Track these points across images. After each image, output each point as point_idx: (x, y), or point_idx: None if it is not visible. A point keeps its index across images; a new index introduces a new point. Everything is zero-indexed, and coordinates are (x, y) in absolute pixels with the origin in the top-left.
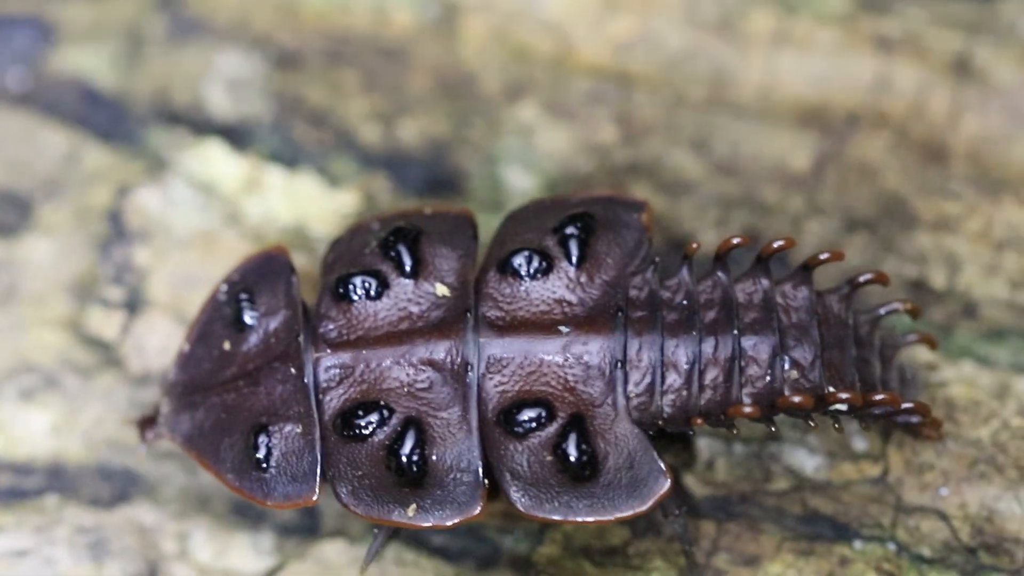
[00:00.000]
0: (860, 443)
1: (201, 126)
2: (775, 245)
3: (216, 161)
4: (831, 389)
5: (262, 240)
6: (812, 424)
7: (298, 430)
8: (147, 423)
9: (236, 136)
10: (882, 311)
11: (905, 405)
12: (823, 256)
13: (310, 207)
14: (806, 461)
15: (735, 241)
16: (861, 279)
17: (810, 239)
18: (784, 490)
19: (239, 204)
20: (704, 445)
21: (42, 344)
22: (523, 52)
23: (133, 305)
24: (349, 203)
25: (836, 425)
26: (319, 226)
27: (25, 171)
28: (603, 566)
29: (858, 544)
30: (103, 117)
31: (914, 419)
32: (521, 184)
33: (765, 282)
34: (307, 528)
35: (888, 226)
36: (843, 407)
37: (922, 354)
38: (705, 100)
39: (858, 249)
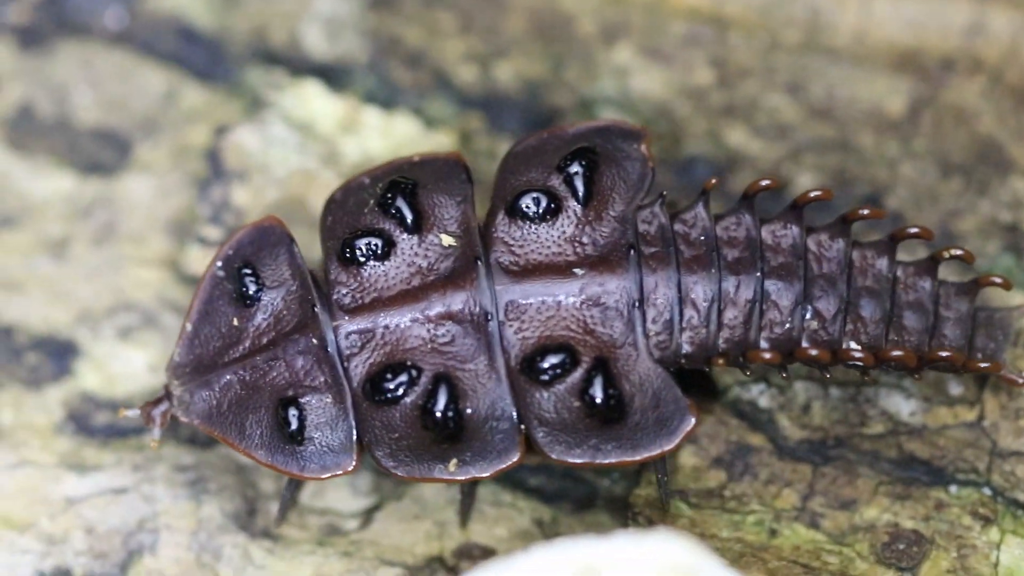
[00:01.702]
0: (955, 388)
1: (298, 66)
2: (812, 195)
3: (313, 101)
4: (851, 344)
5: None
6: (827, 375)
7: (328, 400)
8: (152, 406)
9: (333, 76)
10: (938, 259)
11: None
12: (864, 211)
13: (407, 148)
14: (902, 405)
15: (764, 183)
16: (907, 231)
17: (904, 184)
18: (880, 434)
19: (336, 144)
20: (800, 388)
21: (140, 282)
22: None
23: None
24: (445, 144)
25: (865, 378)
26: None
27: (123, 110)
28: (699, 508)
29: (953, 488)
30: (200, 56)
31: (982, 367)
32: None
33: (795, 228)
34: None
35: (983, 171)
36: (859, 363)
37: (1014, 297)
38: (800, 43)
39: (953, 194)
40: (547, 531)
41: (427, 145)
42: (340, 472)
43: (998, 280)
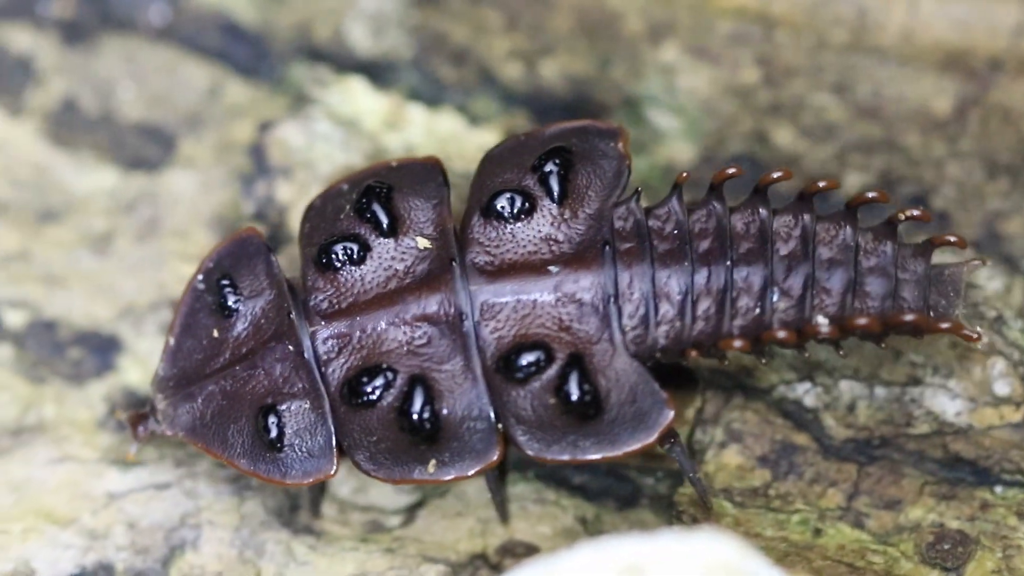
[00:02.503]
0: (1002, 388)
1: (342, 62)
2: (774, 175)
3: (358, 97)
4: (819, 319)
5: None
6: (807, 354)
7: (306, 406)
8: (139, 419)
9: (377, 73)
10: (895, 221)
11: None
12: (821, 184)
13: (451, 145)
14: (947, 405)
15: (730, 171)
16: (865, 196)
17: (951, 184)
18: (925, 434)
19: (380, 141)
20: (846, 388)
21: (183, 278)
22: None
23: (275, 240)
24: (490, 141)
25: (841, 352)
26: (460, 164)
27: (167, 105)
28: (744, 507)
29: (999, 489)
30: (244, 52)
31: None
32: (663, 124)
33: (763, 212)
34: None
35: None
36: (827, 336)
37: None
38: (847, 43)
39: (999, 194)
40: (591, 529)
41: (472, 142)
42: (322, 477)
43: (952, 239)
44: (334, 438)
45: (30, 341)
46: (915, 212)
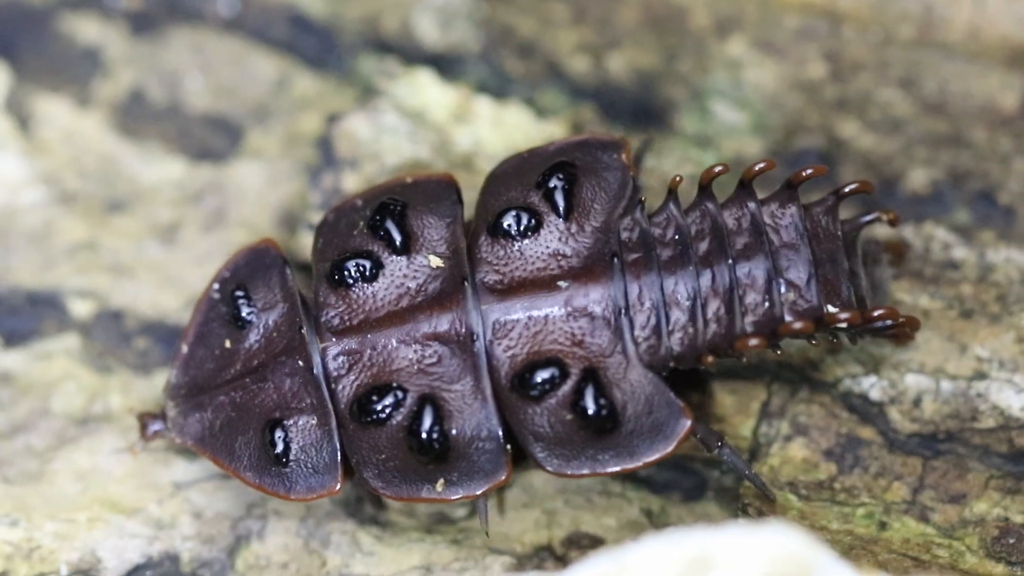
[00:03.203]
0: None
1: (410, 55)
2: (757, 167)
3: (425, 90)
4: (830, 309)
5: (471, 169)
6: (814, 343)
7: (313, 422)
8: (150, 418)
9: (445, 65)
10: (863, 220)
11: (901, 319)
12: (807, 172)
13: (518, 137)
14: (1013, 400)
15: (717, 169)
16: (846, 188)
17: (1017, 179)
18: (991, 428)
19: (448, 133)
20: (912, 382)
21: None
22: None
23: None
24: (557, 134)
25: (834, 339)
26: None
27: (234, 96)
28: (809, 500)
29: None
30: (312, 44)
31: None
32: (729, 119)
33: (752, 205)
34: (514, 457)
35: None
36: (843, 326)
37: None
38: (914, 39)
39: None
40: (656, 521)
41: (539, 135)
42: (325, 493)
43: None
44: (339, 455)
45: (97, 331)
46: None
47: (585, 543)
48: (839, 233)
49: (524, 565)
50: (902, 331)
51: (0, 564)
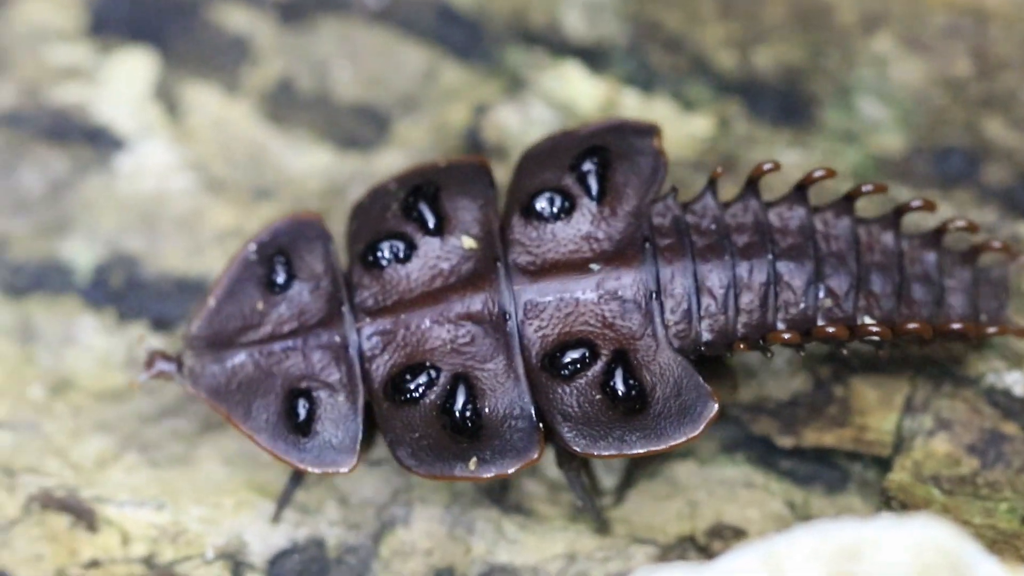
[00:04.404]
0: None
1: (558, 47)
2: (816, 174)
3: (574, 82)
4: (866, 319)
5: None
6: (844, 352)
7: (340, 398)
8: (161, 357)
9: (592, 58)
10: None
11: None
12: (866, 188)
13: (665, 131)
14: None
15: (767, 167)
16: (911, 205)
17: None
18: None
19: None
20: None
21: None
22: None
23: None
24: (703, 128)
25: (880, 351)
26: (674, 150)
27: (382, 86)
28: (952, 494)
29: None
30: (460, 35)
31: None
32: (875, 115)
33: (802, 209)
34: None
35: None
36: (876, 338)
37: None
38: None
39: None
40: (798, 513)
41: (685, 128)
42: (335, 471)
43: (998, 245)
44: (360, 436)
45: None
46: (962, 223)
47: (728, 534)
48: (897, 248)
49: (667, 555)
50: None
51: (146, 547)
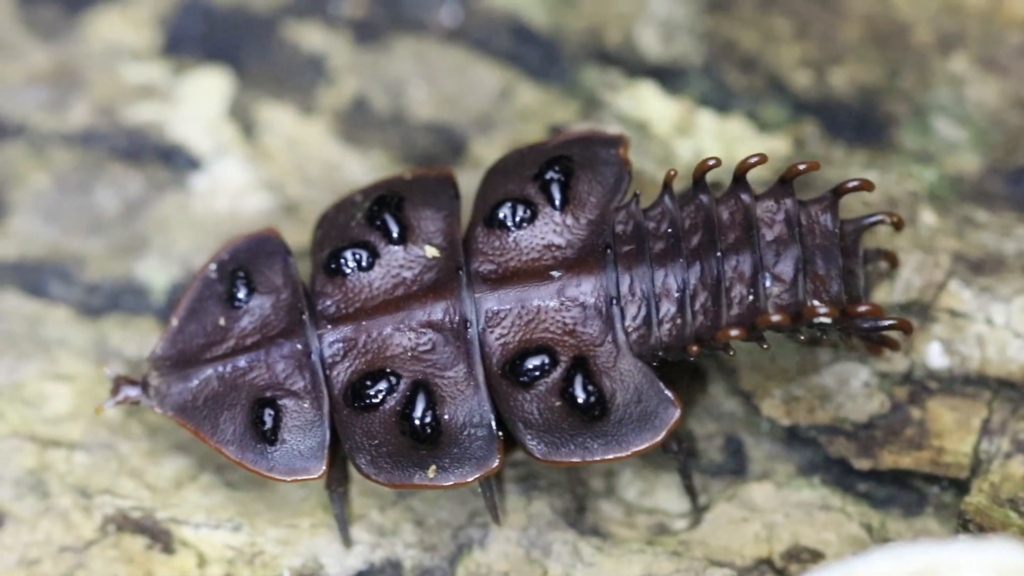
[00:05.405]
0: None
1: (633, 67)
2: (750, 160)
3: (649, 102)
4: (814, 303)
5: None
6: (802, 338)
7: (305, 405)
8: (126, 383)
9: (667, 78)
10: (866, 221)
11: (887, 320)
12: (800, 167)
13: (740, 151)
14: None
15: (710, 163)
16: (848, 185)
17: None
18: None
19: (671, 146)
20: None
21: None
22: (955, 4)
23: None
24: (779, 148)
25: (824, 337)
26: (751, 172)
27: (457, 106)
28: None
29: None
30: (535, 55)
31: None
32: (951, 135)
33: (746, 199)
34: (733, 470)
35: None
36: (826, 320)
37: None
38: None
39: None
40: (876, 536)
41: (760, 148)
42: (306, 477)
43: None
44: (327, 442)
45: None
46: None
47: (805, 557)
48: (837, 231)
49: None
50: (889, 336)
51: (222, 569)
